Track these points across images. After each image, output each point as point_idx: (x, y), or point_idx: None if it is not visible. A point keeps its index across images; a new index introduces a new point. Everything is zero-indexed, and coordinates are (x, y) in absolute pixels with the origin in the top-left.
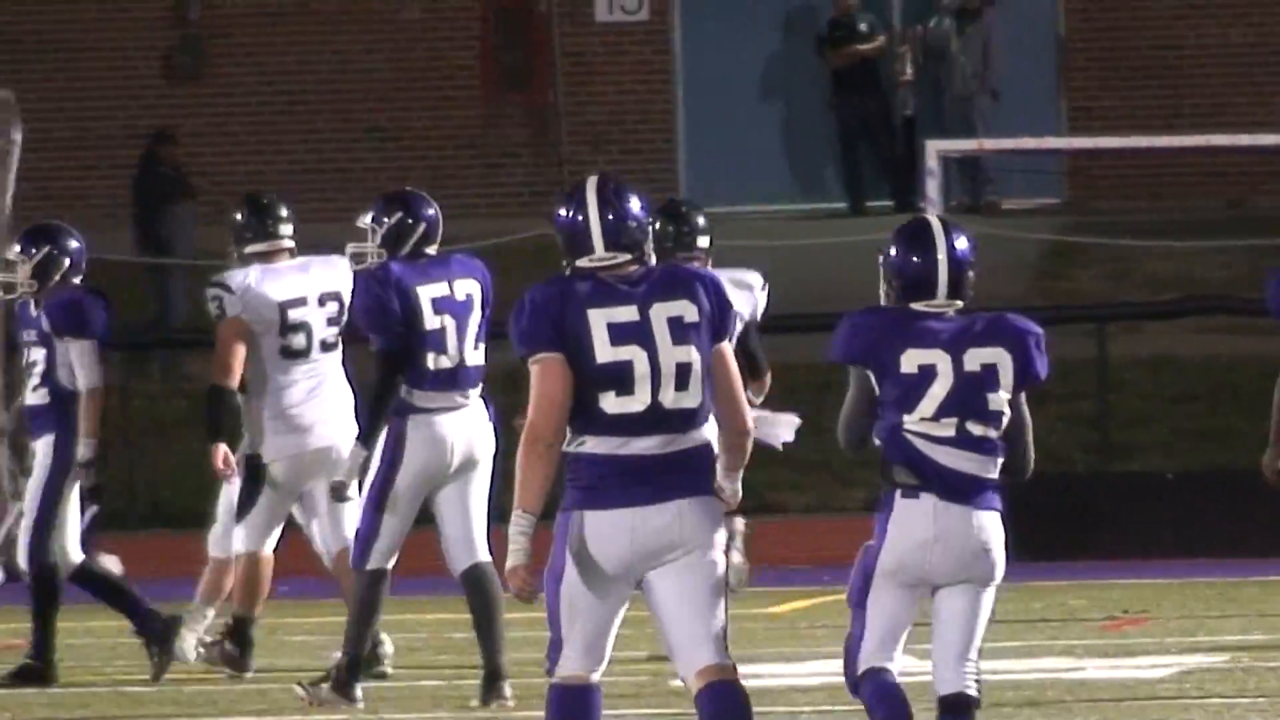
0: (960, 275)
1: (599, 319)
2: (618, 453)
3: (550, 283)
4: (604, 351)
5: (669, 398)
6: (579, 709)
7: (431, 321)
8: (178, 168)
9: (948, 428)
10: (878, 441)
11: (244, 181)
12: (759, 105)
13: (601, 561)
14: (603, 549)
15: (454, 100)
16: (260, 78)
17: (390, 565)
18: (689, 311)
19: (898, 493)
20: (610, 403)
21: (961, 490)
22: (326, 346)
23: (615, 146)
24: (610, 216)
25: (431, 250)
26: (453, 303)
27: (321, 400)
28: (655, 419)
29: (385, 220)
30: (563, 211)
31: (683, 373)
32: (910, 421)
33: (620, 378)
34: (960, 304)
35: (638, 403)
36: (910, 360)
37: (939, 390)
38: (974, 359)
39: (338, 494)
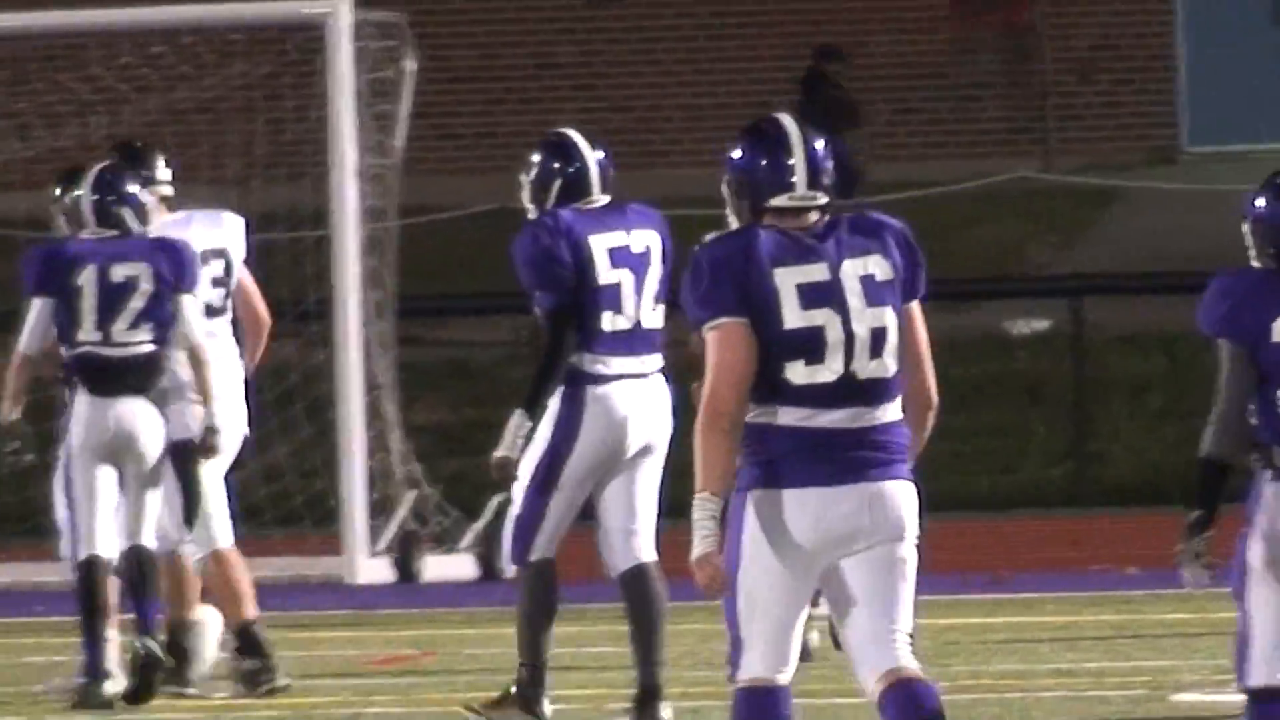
0: None
1: (787, 279)
2: (804, 425)
3: (728, 238)
4: (793, 316)
5: (863, 366)
6: (768, 714)
7: (607, 276)
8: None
9: None
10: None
11: (677, 116)
12: (1276, 28)
13: (784, 547)
14: (785, 533)
15: (918, 23)
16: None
17: (553, 556)
18: (881, 268)
19: (1267, 475)
20: (799, 372)
21: None
22: (212, 311)
23: (1105, 76)
24: (811, 151)
25: (599, 200)
26: (630, 255)
27: None
28: (847, 390)
29: (530, 170)
30: (746, 150)
31: (878, 338)
32: None
33: (811, 345)
34: None
35: (829, 372)
36: None
37: None
38: None
39: (504, 472)
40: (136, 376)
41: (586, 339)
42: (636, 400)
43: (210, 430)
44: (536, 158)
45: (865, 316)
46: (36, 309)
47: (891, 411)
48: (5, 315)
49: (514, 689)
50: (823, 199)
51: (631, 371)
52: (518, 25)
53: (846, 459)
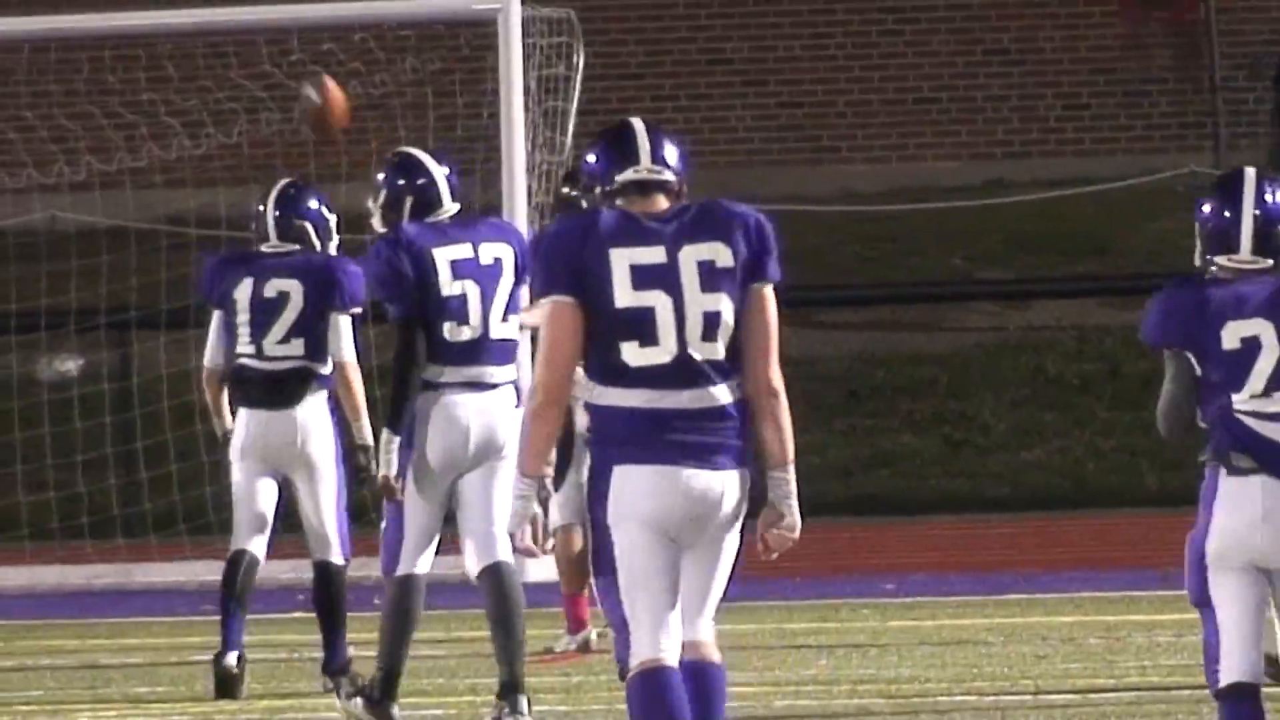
0: (1270, 230)
1: (621, 259)
2: (649, 406)
3: (571, 217)
4: (625, 295)
5: (698, 348)
6: (663, 694)
7: (450, 287)
8: None
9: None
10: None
11: (849, 112)
12: None
13: (650, 517)
14: (649, 503)
15: (1088, 19)
16: None
17: (424, 570)
18: (722, 255)
19: (1222, 472)
20: (634, 353)
21: None
22: None
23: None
24: (656, 137)
25: (448, 212)
26: (476, 267)
27: None
28: (685, 372)
29: (380, 190)
30: (596, 152)
31: (710, 322)
32: (1240, 401)
33: (642, 325)
34: (1269, 262)
35: (664, 353)
36: (1232, 335)
37: (1265, 365)
38: None
39: (388, 491)
40: (285, 390)
41: (431, 349)
42: (480, 409)
43: (363, 449)
44: (382, 177)
45: (699, 300)
46: (214, 322)
47: (729, 393)
48: (178, 312)
49: (362, 687)
50: (668, 175)
51: (476, 381)
52: (688, 20)
53: (698, 444)
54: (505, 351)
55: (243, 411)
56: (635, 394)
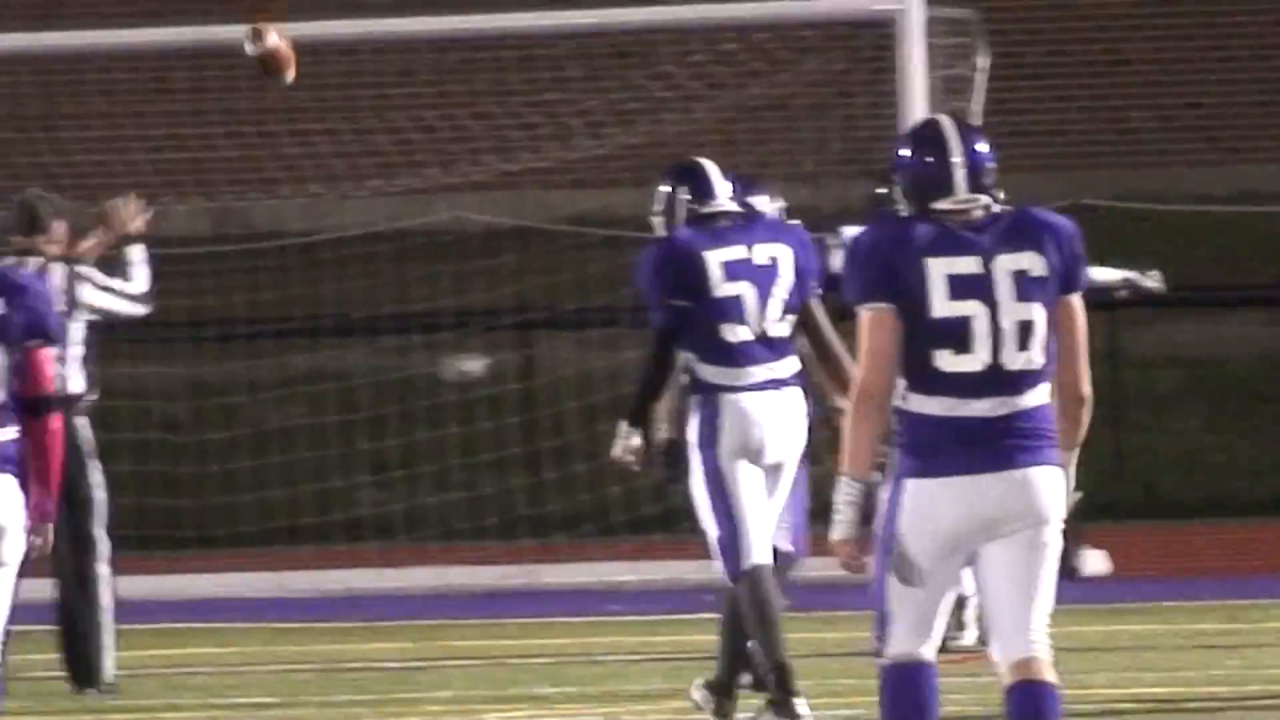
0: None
1: (938, 269)
2: (952, 414)
3: (885, 226)
4: (941, 305)
5: (1010, 358)
6: (914, 688)
7: (724, 289)
8: None
9: None
10: None
11: (1250, 113)
12: None
13: (935, 532)
14: (937, 519)
15: None
16: None
17: (766, 559)
18: (1036, 264)
19: None
20: (947, 361)
21: None
22: None
23: None
24: (971, 156)
25: (728, 212)
26: (750, 267)
27: None
28: (994, 380)
29: (659, 194)
30: (912, 151)
31: (1025, 331)
32: None
33: (958, 334)
34: (985, 199)
35: (976, 361)
36: None
37: None
38: None
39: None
40: None
41: (714, 351)
42: (767, 406)
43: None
44: (665, 187)
45: (1013, 310)
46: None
47: (1036, 397)
48: (581, 312)
49: (769, 699)
50: (984, 201)
51: (761, 380)
52: (1089, 21)
53: (993, 447)
54: (785, 349)
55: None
56: (941, 401)
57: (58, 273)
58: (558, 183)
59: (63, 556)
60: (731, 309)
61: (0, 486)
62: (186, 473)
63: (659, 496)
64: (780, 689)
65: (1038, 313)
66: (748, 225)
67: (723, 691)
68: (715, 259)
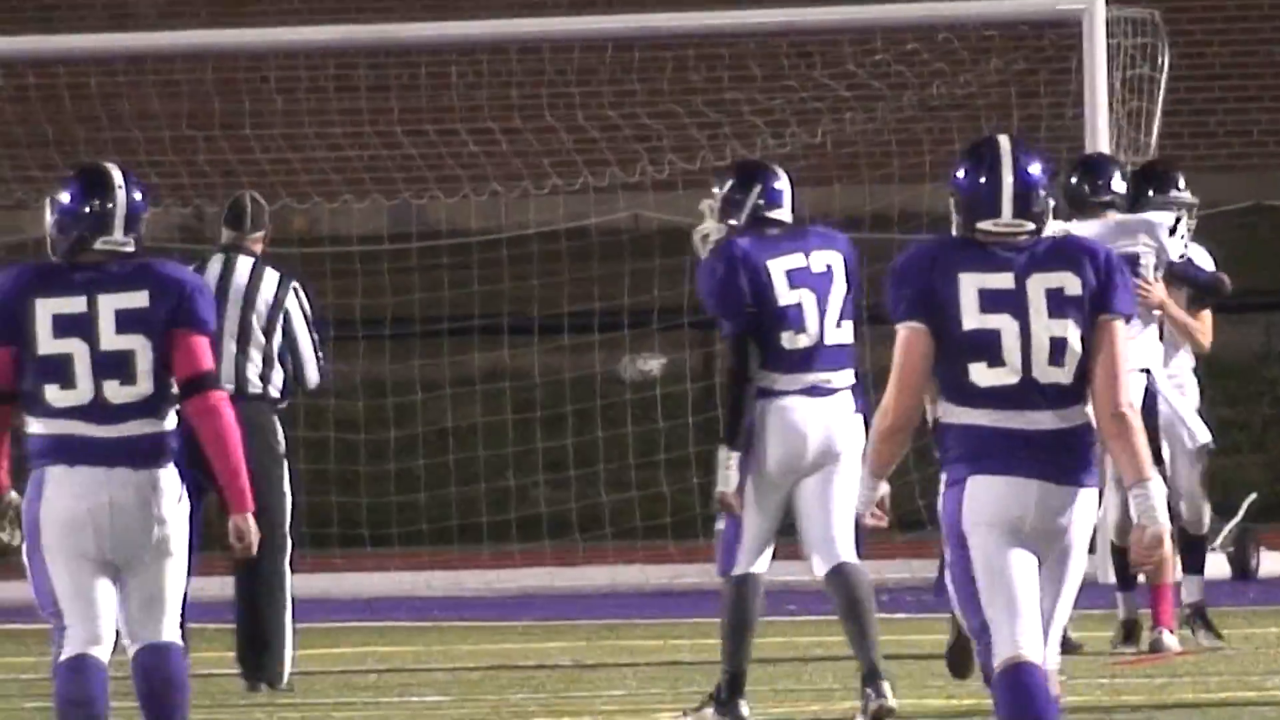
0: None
1: (970, 284)
2: (995, 425)
3: (927, 245)
4: (971, 318)
5: (1043, 372)
6: (1028, 686)
7: (787, 297)
8: None
9: None
10: None
11: None
12: None
13: (1006, 520)
14: (1004, 510)
15: None
16: None
17: (761, 570)
18: (1071, 284)
19: None
20: (982, 374)
21: None
22: None
23: None
24: (1022, 180)
25: (781, 220)
26: (809, 275)
27: None
28: (1029, 394)
29: (716, 194)
30: (967, 171)
31: (1057, 347)
32: None
33: (988, 347)
34: (1031, 225)
35: (1009, 375)
36: None
37: None
38: None
39: (726, 508)
40: None
41: (770, 358)
42: (818, 414)
43: None
44: (724, 182)
45: (1046, 326)
46: None
47: (1074, 416)
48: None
49: (712, 694)
50: (1029, 226)
51: (815, 386)
52: (1273, 21)
53: (1035, 458)
54: (842, 357)
55: None
56: (984, 413)
57: (269, 274)
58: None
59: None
60: (794, 317)
61: (160, 477)
62: (363, 471)
63: None
64: (730, 690)
65: (1071, 330)
66: (802, 233)
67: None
68: (779, 266)
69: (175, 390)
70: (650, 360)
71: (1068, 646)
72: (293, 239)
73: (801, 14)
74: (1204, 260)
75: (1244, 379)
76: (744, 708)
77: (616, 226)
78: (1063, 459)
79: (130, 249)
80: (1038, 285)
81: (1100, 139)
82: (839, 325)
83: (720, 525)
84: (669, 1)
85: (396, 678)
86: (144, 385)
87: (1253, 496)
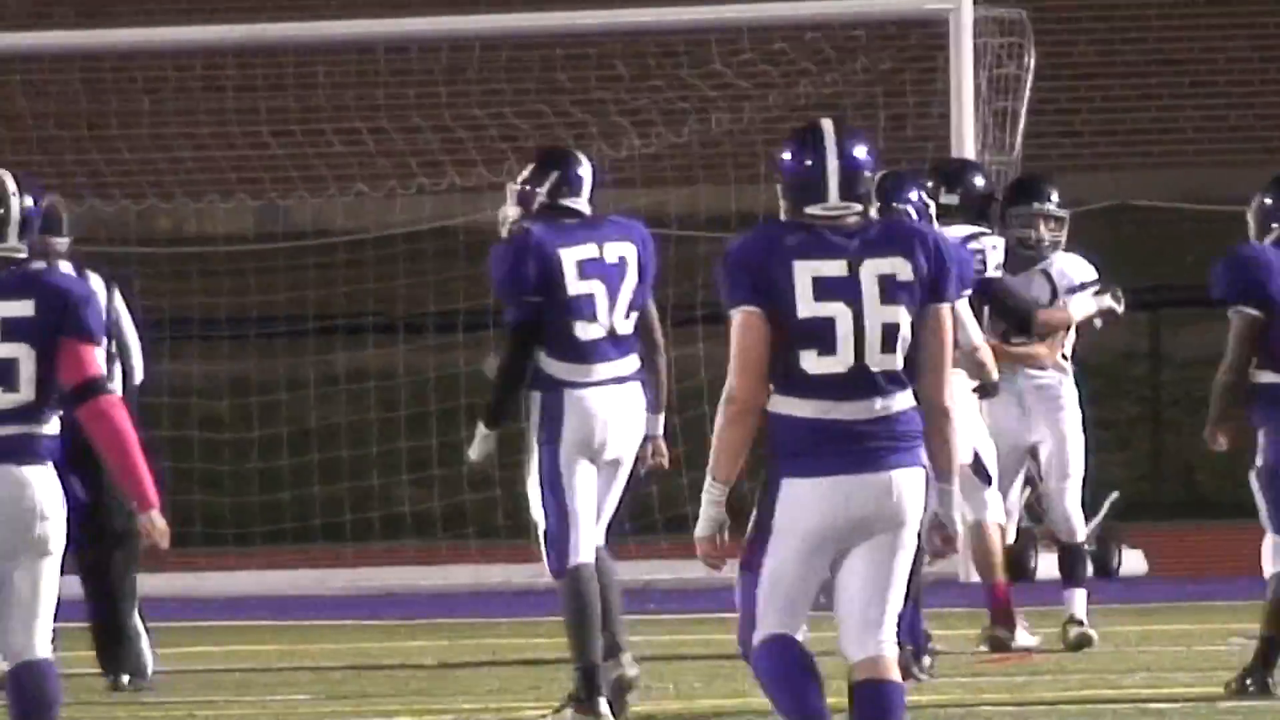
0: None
1: (804, 272)
2: (820, 417)
3: (757, 231)
4: (806, 306)
5: (874, 359)
6: (789, 657)
7: (577, 287)
8: None
9: None
10: None
11: None
12: None
13: (807, 531)
14: (809, 518)
15: None
16: None
17: (591, 558)
18: (903, 269)
19: None
20: (812, 362)
21: None
22: None
23: None
24: (848, 163)
25: (579, 210)
26: (602, 266)
27: None
28: (860, 381)
29: (517, 182)
30: (793, 155)
31: (889, 333)
32: None
33: (822, 335)
34: (859, 207)
35: (840, 363)
36: None
37: None
38: None
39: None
40: None
41: (563, 348)
42: (611, 403)
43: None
44: (525, 171)
45: (878, 313)
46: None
47: (902, 401)
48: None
49: (571, 694)
50: (857, 208)
51: (606, 377)
52: (1137, 21)
53: (860, 448)
54: (631, 347)
55: None
56: (809, 404)
57: (94, 278)
58: (604, 181)
59: (82, 549)
60: (584, 307)
61: (40, 474)
62: (227, 470)
63: (696, 495)
64: (587, 687)
65: (903, 316)
66: (598, 223)
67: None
68: (571, 256)
69: (59, 397)
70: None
71: (925, 646)
72: (159, 239)
73: (668, 13)
74: (1080, 270)
75: (1108, 378)
76: (603, 705)
77: (482, 226)
78: (889, 443)
79: (23, 255)
80: (870, 271)
81: (966, 138)
82: (627, 316)
83: (542, 528)
84: (535, 1)
85: (259, 677)
86: (25, 392)
87: (1115, 495)
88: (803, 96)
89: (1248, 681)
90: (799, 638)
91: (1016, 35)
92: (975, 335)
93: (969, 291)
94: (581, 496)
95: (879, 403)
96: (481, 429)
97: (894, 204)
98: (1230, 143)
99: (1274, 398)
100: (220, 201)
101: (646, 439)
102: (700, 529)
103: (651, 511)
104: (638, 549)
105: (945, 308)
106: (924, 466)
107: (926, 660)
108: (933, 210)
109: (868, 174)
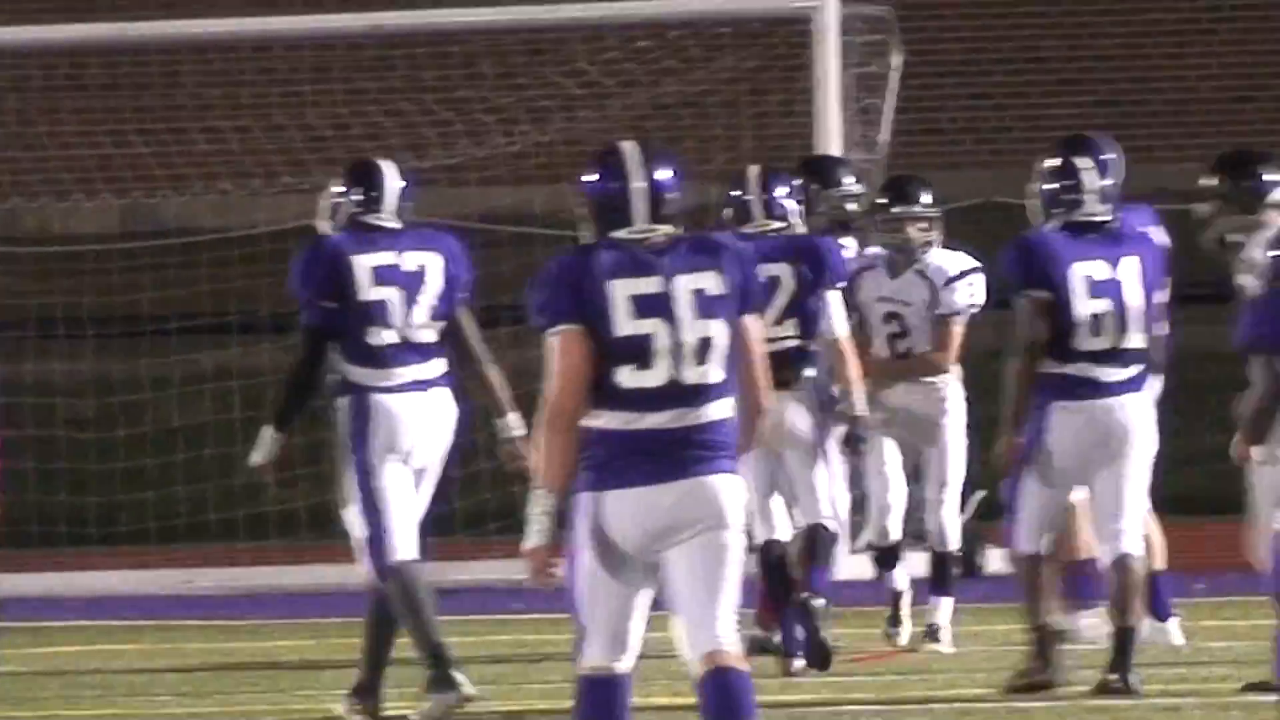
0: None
1: (621, 290)
2: (630, 428)
3: (573, 251)
4: (624, 324)
5: (689, 372)
6: (606, 700)
7: (371, 293)
8: None
9: None
10: None
11: (1163, 111)
12: None
13: (616, 543)
14: (616, 530)
15: None
16: None
17: (414, 555)
18: (715, 283)
19: None
20: (626, 376)
21: None
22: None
23: None
24: (654, 186)
25: (387, 221)
26: (398, 273)
27: None
28: (672, 394)
29: (330, 193)
30: (599, 179)
31: (704, 347)
32: None
33: (640, 351)
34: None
35: (656, 377)
36: None
37: None
38: None
39: (263, 473)
40: (780, 369)
41: (359, 354)
42: (412, 408)
43: (853, 419)
44: (338, 183)
45: (693, 327)
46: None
47: (716, 411)
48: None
49: (426, 683)
50: (663, 230)
51: (407, 382)
52: (1004, 19)
53: (669, 457)
54: (430, 353)
55: None
56: (620, 416)
57: None
58: (470, 180)
59: None
60: (378, 313)
61: None
62: (92, 469)
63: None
64: (439, 666)
65: (717, 329)
66: (401, 232)
67: (368, 693)
68: (365, 263)
69: None
70: None
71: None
72: (24, 238)
73: (532, 11)
74: (955, 262)
75: (972, 376)
76: (460, 676)
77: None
78: (697, 451)
79: None
80: (683, 287)
81: (832, 137)
82: (428, 324)
83: (356, 534)
84: (399, 1)
85: (124, 677)
86: None
87: (981, 494)
88: (668, 94)
89: (1113, 677)
90: (622, 667)
91: (883, 32)
92: (840, 327)
93: (842, 284)
94: (394, 496)
95: (689, 413)
96: (268, 431)
97: (772, 200)
98: None
99: (1054, 386)
100: (85, 200)
101: (509, 441)
102: (528, 540)
103: (517, 511)
104: (502, 547)
105: (755, 318)
106: (736, 473)
107: (798, 663)
108: (800, 210)
109: (673, 195)
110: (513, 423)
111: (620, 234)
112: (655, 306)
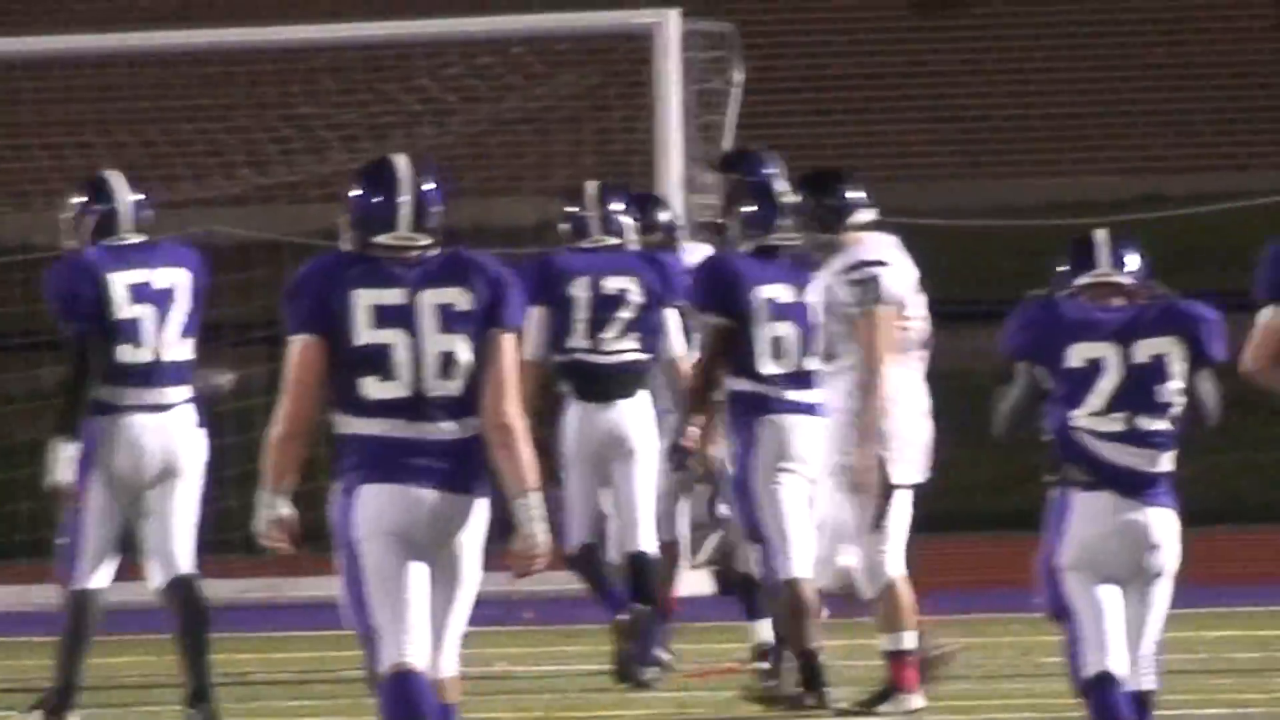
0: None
1: (364, 300)
2: (378, 435)
3: (319, 260)
4: (364, 333)
5: (432, 385)
6: (411, 695)
7: (126, 311)
8: None
9: (1117, 422)
10: (1047, 437)
11: (1004, 126)
12: None
13: (394, 529)
14: (393, 516)
15: (1243, 34)
16: (1022, 8)
17: (101, 585)
18: (461, 300)
19: (1074, 489)
20: (371, 386)
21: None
22: None
23: None
24: (420, 197)
25: (133, 237)
26: (151, 291)
27: None
28: (419, 406)
29: (72, 208)
30: (365, 187)
31: (447, 361)
32: (1079, 418)
33: (380, 361)
34: (429, 239)
35: (399, 388)
36: (1078, 355)
37: (1106, 385)
38: (1144, 350)
39: (64, 499)
40: (623, 383)
41: (108, 372)
42: (158, 429)
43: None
44: (79, 197)
45: (436, 340)
46: (534, 318)
47: (463, 428)
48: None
49: (42, 698)
50: (425, 240)
51: (154, 403)
52: (845, 35)
53: (418, 467)
54: (181, 373)
55: (574, 407)
56: (377, 423)
57: None
58: (311, 196)
59: None
60: (132, 331)
61: None
62: None
63: None
64: (60, 701)
65: (460, 345)
66: (152, 249)
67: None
68: (121, 281)
69: None
70: (221, 375)
71: (655, 661)
72: None
73: (372, 28)
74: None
75: None
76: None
77: (189, 242)
78: (454, 469)
79: None
80: (429, 301)
81: (672, 153)
82: (180, 342)
83: (61, 541)
84: (241, 17)
85: None
86: None
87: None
88: (509, 111)
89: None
90: (420, 663)
91: (724, 49)
92: (677, 345)
93: (682, 302)
94: (97, 522)
95: (437, 426)
96: (62, 447)
97: (609, 216)
98: (936, 156)
99: (747, 404)
100: None
101: None
102: (257, 525)
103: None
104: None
105: (507, 335)
106: (475, 494)
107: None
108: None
109: (436, 209)
110: None
111: (382, 239)
112: (396, 317)
